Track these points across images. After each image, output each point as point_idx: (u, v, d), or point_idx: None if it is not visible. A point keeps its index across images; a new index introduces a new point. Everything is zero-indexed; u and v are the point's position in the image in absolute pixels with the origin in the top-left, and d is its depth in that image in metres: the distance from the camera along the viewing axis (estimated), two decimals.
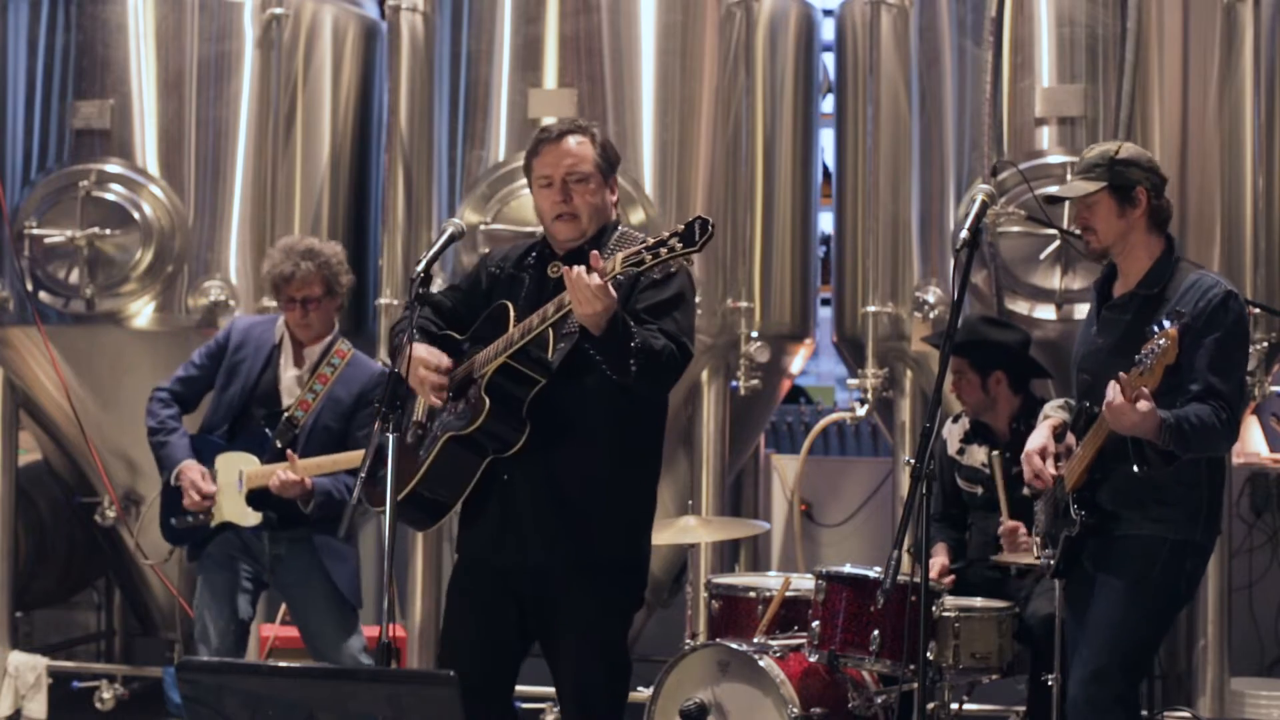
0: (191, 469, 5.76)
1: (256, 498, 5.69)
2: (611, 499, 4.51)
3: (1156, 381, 4.42)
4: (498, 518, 4.50)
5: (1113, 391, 4.46)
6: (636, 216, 6.68)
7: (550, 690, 6.69)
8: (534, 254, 4.62)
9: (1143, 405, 4.43)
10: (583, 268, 4.19)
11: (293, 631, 6.64)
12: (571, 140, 4.52)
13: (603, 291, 4.17)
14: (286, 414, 5.73)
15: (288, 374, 5.81)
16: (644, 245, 4.20)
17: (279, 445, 5.69)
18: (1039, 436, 4.85)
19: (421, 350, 4.44)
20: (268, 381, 5.82)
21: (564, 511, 4.46)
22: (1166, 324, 4.45)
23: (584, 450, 4.45)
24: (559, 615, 4.52)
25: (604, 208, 4.55)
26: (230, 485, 5.73)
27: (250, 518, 5.72)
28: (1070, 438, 4.84)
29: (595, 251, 4.24)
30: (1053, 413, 4.96)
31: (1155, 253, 4.78)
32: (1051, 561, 4.82)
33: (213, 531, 5.79)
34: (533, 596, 4.54)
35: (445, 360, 4.47)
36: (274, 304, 6.96)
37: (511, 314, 4.41)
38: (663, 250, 4.15)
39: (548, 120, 6.73)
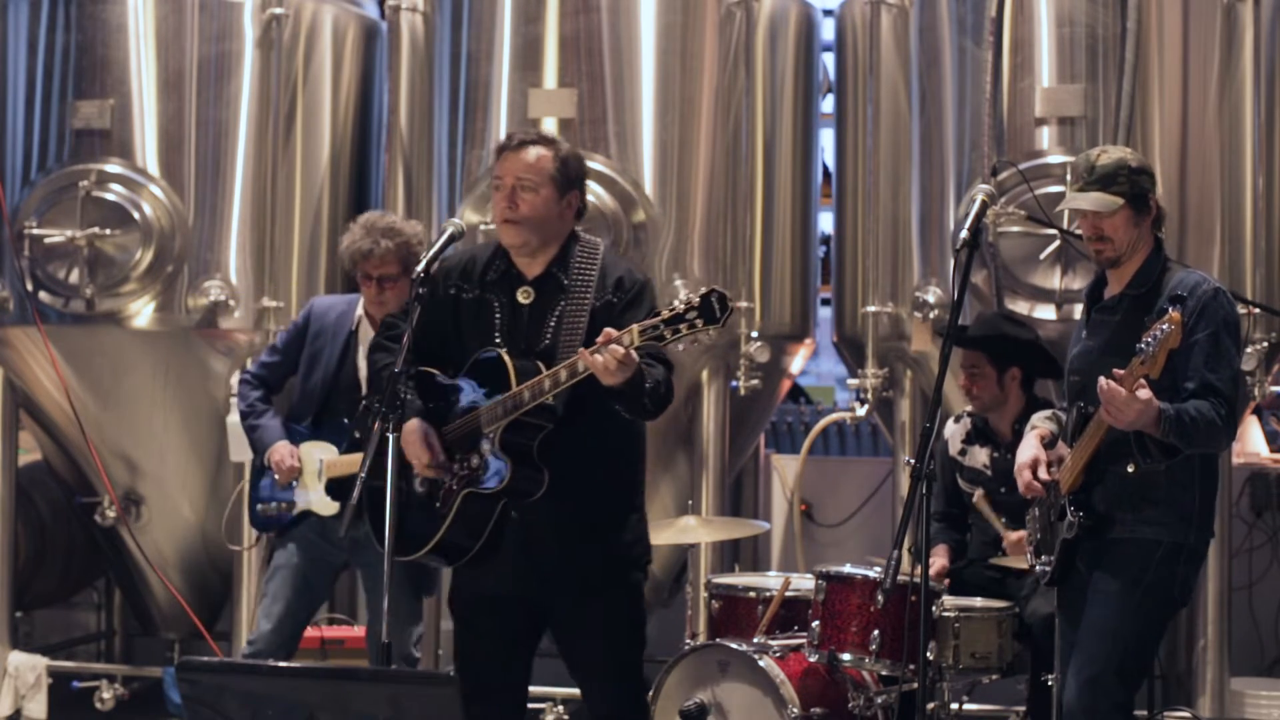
0: (280, 449, 5.78)
1: (334, 487, 5.69)
2: (615, 508, 4.66)
3: (1159, 369, 4.41)
4: (514, 555, 4.59)
5: (1107, 384, 4.46)
6: (636, 217, 6.69)
7: (551, 690, 6.73)
8: (493, 270, 4.64)
9: (1142, 393, 4.43)
10: (601, 354, 4.28)
11: None
12: (531, 151, 4.58)
13: (630, 363, 4.30)
14: (364, 402, 5.70)
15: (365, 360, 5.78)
16: (660, 318, 4.29)
17: (357, 435, 5.67)
18: (1028, 448, 4.87)
19: (417, 440, 4.55)
20: (348, 372, 5.80)
21: (578, 537, 4.58)
22: (1169, 309, 4.46)
23: (582, 474, 4.55)
24: (581, 609, 4.65)
25: (551, 218, 4.58)
26: (311, 474, 5.76)
27: (329, 507, 5.73)
28: (1061, 447, 4.85)
29: (608, 330, 4.32)
30: (1040, 423, 4.96)
31: (1146, 254, 4.81)
32: (1048, 569, 4.82)
33: (294, 520, 5.82)
34: (552, 603, 4.68)
35: (440, 456, 4.59)
36: (274, 303, 7.00)
37: (510, 367, 4.49)
38: (682, 327, 4.27)
39: (548, 120, 6.77)
